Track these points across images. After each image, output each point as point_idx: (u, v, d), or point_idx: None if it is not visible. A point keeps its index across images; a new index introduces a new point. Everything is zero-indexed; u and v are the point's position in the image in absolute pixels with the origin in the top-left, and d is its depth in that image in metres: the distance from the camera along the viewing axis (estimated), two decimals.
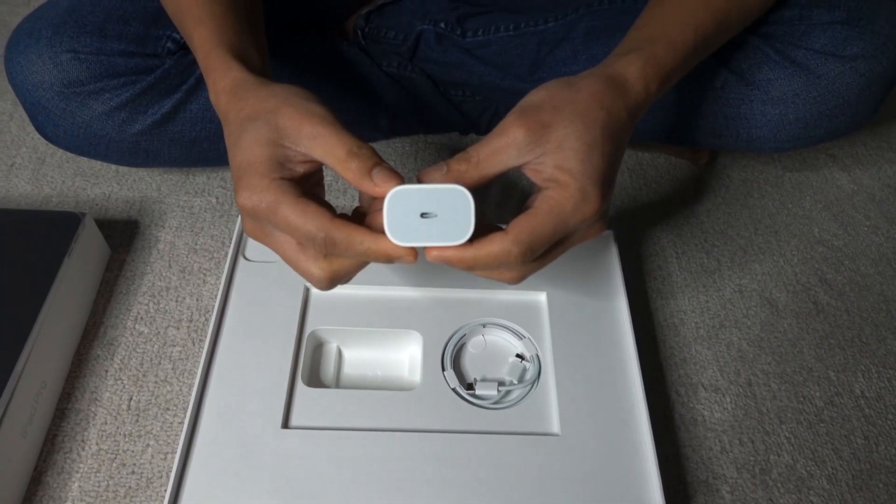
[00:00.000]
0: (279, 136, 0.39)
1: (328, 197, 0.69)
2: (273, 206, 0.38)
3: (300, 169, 0.40)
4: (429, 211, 0.38)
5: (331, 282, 0.41)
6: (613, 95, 0.42)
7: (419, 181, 0.40)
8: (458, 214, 0.38)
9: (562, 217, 0.39)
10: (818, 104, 0.61)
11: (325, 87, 0.70)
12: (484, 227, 0.40)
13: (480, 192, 0.76)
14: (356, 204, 0.61)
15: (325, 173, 0.47)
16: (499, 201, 0.76)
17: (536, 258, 0.41)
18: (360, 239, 0.38)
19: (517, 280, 0.42)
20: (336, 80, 0.71)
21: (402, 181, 0.38)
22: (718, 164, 0.80)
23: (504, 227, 0.40)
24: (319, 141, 0.39)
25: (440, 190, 0.38)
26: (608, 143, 0.41)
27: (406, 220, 0.38)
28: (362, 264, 0.42)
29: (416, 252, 0.39)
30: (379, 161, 0.39)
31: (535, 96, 0.42)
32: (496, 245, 0.39)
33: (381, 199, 0.39)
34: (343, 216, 0.40)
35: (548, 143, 0.40)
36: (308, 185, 0.42)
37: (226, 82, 0.43)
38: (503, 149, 0.40)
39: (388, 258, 0.39)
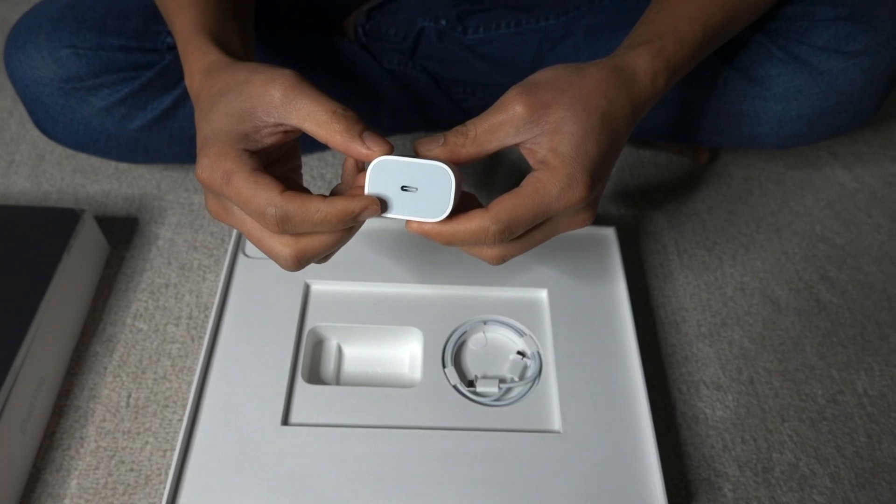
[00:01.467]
0: (250, 105, 0.38)
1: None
2: (227, 175, 0.36)
3: (267, 140, 0.39)
4: (410, 185, 0.38)
5: (299, 260, 0.39)
6: (619, 87, 0.42)
7: (415, 151, 0.40)
8: (438, 192, 0.38)
9: (545, 200, 0.39)
10: (821, 101, 0.61)
11: (326, 84, 0.69)
12: (469, 203, 0.40)
13: (485, 169, 0.76)
14: None
15: (303, 172, 0.46)
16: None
17: (517, 239, 0.41)
18: (315, 207, 0.36)
19: (497, 259, 0.42)
20: (337, 78, 0.70)
21: (393, 149, 0.38)
22: (720, 161, 0.80)
23: None
24: (296, 104, 0.37)
25: (424, 165, 0.38)
26: (605, 133, 0.41)
27: (386, 192, 0.38)
28: (333, 241, 0.39)
29: (378, 202, 0.37)
30: (367, 125, 0.38)
31: (541, 75, 0.42)
32: (474, 222, 0.39)
33: (362, 178, 0.38)
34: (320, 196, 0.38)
35: (546, 124, 0.39)
36: (283, 170, 0.41)
37: (201, 64, 0.42)
38: (501, 125, 0.39)
39: (350, 214, 0.37)
